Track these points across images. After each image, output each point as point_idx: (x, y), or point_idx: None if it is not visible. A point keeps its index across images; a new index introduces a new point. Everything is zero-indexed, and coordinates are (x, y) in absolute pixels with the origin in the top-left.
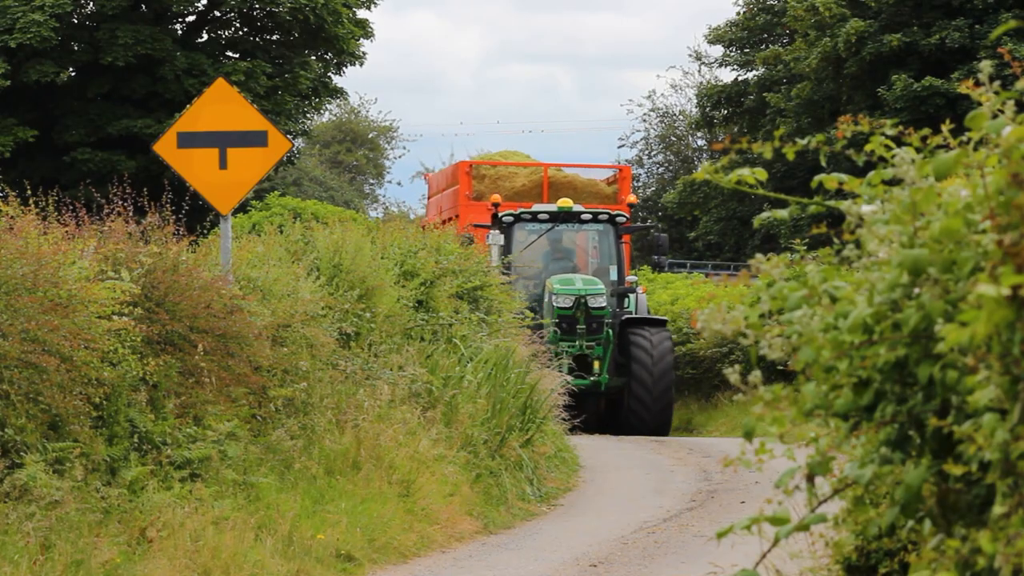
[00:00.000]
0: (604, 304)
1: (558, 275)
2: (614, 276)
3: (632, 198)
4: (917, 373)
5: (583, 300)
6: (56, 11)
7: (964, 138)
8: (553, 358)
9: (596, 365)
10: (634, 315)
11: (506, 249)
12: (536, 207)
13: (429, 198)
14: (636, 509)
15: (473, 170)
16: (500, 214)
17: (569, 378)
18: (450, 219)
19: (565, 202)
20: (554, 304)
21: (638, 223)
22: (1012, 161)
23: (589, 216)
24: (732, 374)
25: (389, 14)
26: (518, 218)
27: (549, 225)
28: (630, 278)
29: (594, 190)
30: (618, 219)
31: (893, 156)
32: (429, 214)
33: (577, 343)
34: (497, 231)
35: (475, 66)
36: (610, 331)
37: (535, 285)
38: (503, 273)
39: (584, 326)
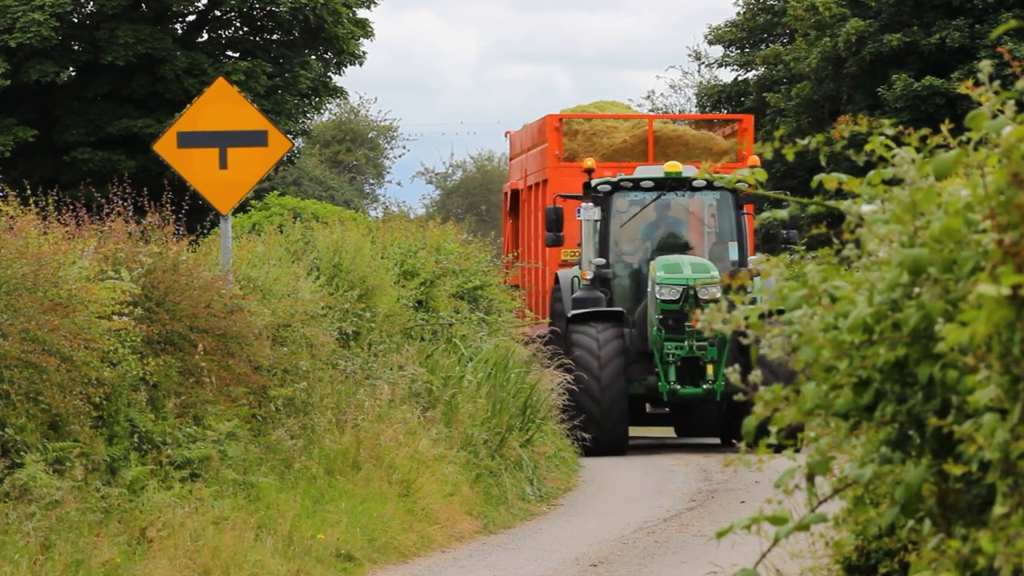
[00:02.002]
0: (719, 294)
1: (663, 258)
2: (734, 256)
3: (754, 159)
4: (917, 373)
5: (692, 291)
6: (56, 11)
7: (964, 138)
8: (658, 363)
9: (709, 370)
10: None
11: (603, 225)
12: (638, 172)
13: (511, 159)
14: (636, 509)
15: (564, 125)
16: (594, 182)
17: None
18: (537, 184)
19: (673, 166)
20: (656, 296)
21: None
22: (1012, 161)
23: (703, 182)
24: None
25: (387, 14)
26: (616, 187)
27: (654, 195)
28: (754, 258)
29: (709, 145)
30: (739, 184)
31: (893, 156)
32: (512, 177)
33: (686, 343)
34: (591, 203)
35: (474, 66)
36: None
37: (640, 268)
38: (600, 256)
39: None
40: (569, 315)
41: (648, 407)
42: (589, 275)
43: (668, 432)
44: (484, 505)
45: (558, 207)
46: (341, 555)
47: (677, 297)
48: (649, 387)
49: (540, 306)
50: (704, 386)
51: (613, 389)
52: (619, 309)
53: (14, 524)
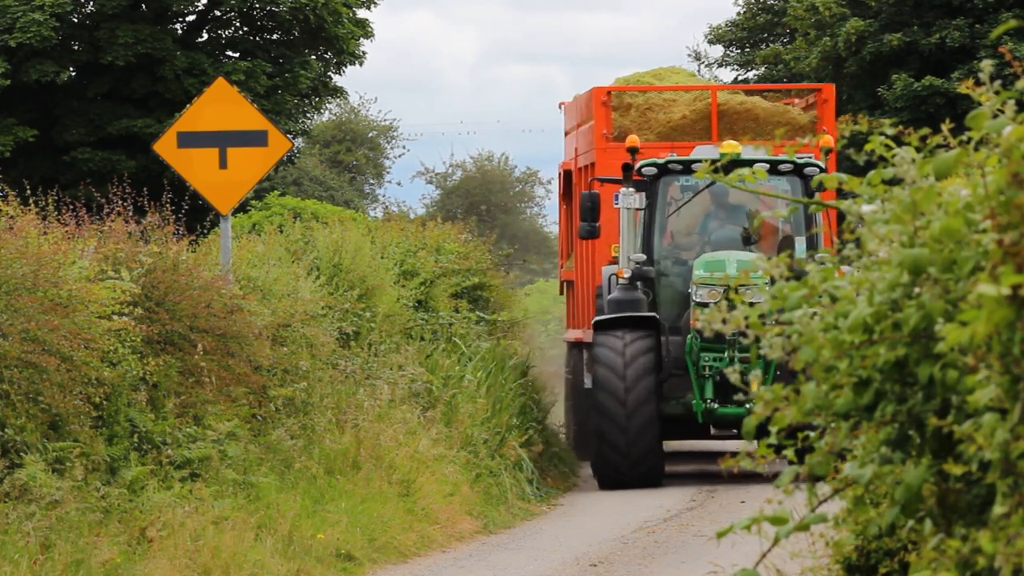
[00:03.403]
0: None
1: (708, 254)
2: (802, 252)
3: (827, 139)
4: (917, 373)
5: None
6: (56, 10)
7: (964, 138)
8: (692, 378)
9: (754, 386)
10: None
11: (647, 214)
12: (695, 152)
13: (565, 134)
14: (636, 509)
15: (613, 98)
16: (639, 164)
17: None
18: (587, 167)
19: (731, 146)
20: (693, 298)
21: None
22: (1012, 161)
23: (766, 166)
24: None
25: (387, 14)
26: (664, 170)
27: (708, 180)
28: (820, 256)
29: (784, 119)
30: (808, 170)
31: (893, 156)
32: (566, 154)
33: (726, 355)
34: (632, 188)
35: (473, 66)
36: None
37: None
38: (643, 250)
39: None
40: (593, 322)
41: (712, 430)
42: (627, 273)
43: (738, 444)
44: (484, 505)
45: (594, 193)
46: (341, 555)
47: (717, 300)
48: (687, 406)
49: (587, 308)
50: (748, 405)
51: (640, 415)
52: (652, 315)
53: (14, 524)
